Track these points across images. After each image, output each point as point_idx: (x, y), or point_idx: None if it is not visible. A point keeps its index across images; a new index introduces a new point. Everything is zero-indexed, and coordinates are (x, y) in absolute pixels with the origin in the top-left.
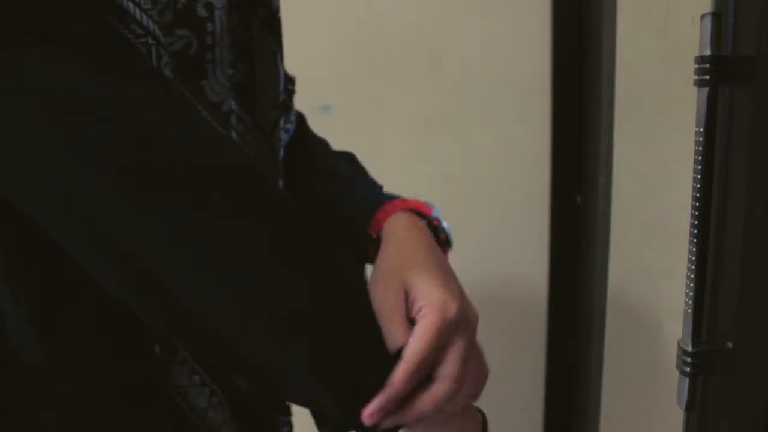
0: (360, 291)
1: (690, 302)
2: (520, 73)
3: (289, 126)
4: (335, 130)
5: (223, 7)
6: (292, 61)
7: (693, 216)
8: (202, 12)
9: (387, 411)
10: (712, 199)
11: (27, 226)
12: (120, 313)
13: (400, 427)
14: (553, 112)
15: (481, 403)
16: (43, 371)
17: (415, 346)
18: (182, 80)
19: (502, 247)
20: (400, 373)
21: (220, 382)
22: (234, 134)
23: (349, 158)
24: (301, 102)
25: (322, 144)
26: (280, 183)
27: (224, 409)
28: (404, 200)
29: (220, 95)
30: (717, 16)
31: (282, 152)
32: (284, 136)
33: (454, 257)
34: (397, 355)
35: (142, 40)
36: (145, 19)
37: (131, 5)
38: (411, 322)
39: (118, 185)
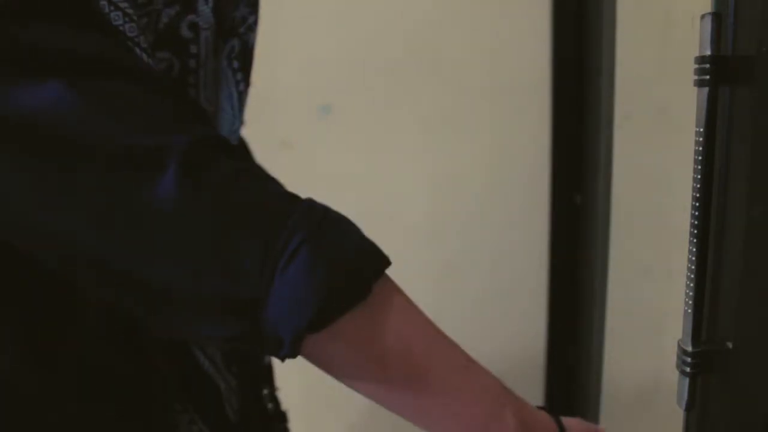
0: None
1: (690, 302)
2: (520, 73)
3: None
4: (335, 131)
5: (209, 27)
6: (292, 62)
7: (693, 216)
8: (186, 33)
9: None
10: (712, 199)
11: (19, 263)
12: (112, 336)
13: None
14: (553, 112)
15: None
16: (38, 399)
17: None
18: None
19: (502, 247)
20: None
21: (207, 414)
22: None
23: None
24: (301, 102)
25: None
26: None
27: None
28: None
29: None
30: (717, 16)
31: None
32: None
33: (455, 257)
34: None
35: None
36: (137, 51)
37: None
38: None
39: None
